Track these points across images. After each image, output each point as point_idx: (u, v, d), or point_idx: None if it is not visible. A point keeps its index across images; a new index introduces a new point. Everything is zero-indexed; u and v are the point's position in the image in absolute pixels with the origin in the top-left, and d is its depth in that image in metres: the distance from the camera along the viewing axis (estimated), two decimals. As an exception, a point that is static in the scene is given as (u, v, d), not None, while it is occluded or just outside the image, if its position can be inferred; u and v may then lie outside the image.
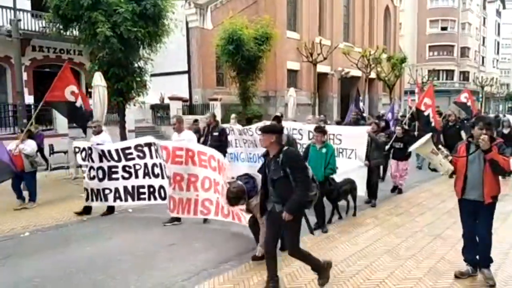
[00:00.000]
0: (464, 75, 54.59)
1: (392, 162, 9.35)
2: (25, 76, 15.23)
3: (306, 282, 4.56)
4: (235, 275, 4.77)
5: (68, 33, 12.32)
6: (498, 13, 67.81)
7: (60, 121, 14.02)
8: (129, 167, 6.80)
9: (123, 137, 11.72)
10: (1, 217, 7.40)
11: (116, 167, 6.87)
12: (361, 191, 7.36)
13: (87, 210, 7.39)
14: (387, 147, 8.99)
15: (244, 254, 5.40)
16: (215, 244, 5.90)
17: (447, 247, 5.58)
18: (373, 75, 28.36)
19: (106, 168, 6.94)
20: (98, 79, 10.41)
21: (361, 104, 14.96)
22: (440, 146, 4.65)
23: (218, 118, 18.84)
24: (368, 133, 7.65)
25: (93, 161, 7.02)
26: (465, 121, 14.25)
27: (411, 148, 6.21)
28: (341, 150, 7.59)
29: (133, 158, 6.74)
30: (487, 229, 4.44)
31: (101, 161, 6.95)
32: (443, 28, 52.33)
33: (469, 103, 13.28)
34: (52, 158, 12.64)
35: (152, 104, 19.86)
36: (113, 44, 10.99)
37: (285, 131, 7.16)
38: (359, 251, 5.51)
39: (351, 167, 7.41)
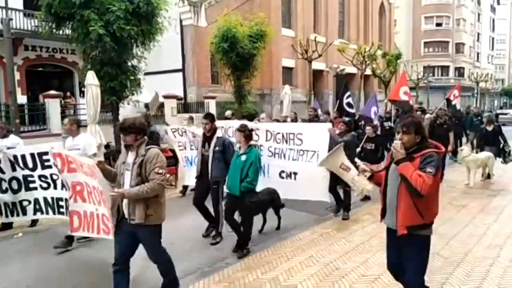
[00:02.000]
0: (459, 71, 54.74)
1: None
2: (17, 75, 15.12)
3: (305, 277, 4.54)
4: (230, 274, 4.74)
5: (60, 32, 12.19)
6: (493, 8, 68.02)
7: (54, 121, 13.92)
8: (45, 177, 5.65)
9: (118, 136, 11.64)
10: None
11: (32, 176, 5.72)
12: (324, 197, 6.44)
13: (7, 226, 6.54)
14: (358, 149, 8.15)
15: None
16: (209, 244, 5.86)
17: (442, 243, 5.58)
18: (368, 71, 28.35)
19: (21, 178, 5.76)
20: (91, 78, 10.31)
21: (348, 100, 12.96)
22: (356, 159, 3.95)
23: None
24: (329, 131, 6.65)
25: (3, 172, 5.80)
26: (454, 119, 13.67)
27: (317, 164, 6.11)
28: (301, 153, 6.57)
29: (50, 166, 5.55)
30: (413, 273, 3.30)
31: (14, 170, 5.75)
32: (438, 24, 52.40)
33: (454, 102, 12.55)
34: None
35: (147, 102, 19.74)
36: (106, 43, 10.88)
37: (219, 132, 6.28)
38: (354, 247, 5.50)
39: (311, 172, 6.34)
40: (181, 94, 20.84)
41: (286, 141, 6.66)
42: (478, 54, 62.59)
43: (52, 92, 14.64)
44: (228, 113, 9.51)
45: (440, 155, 3.18)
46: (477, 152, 9.94)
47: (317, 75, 27.86)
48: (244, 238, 5.36)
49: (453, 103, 12.10)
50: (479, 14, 62.59)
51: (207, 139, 5.97)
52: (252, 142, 5.46)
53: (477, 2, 61.16)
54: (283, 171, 6.64)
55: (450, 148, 9.74)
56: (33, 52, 16.55)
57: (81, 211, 4.72)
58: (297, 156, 6.57)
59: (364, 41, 32.10)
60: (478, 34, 62.62)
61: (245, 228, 5.36)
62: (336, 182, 6.65)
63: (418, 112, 12.87)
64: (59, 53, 17.21)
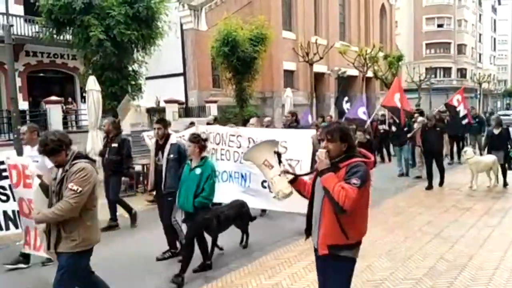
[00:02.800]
0: (462, 72, 54.59)
1: None
2: (19, 81, 15.12)
3: (308, 283, 4.49)
4: (233, 279, 4.68)
5: (61, 37, 12.27)
6: (494, 9, 67.90)
7: (56, 126, 13.90)
8: (3, 187, 5.16)
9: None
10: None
11: None
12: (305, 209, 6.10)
13: None
14: None
15: (242, 258, 5.32)
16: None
17: (446, 247, 5.50)
18: (370, 74, 28.31)
19: None
20: (92, 83, 10.31)
21: (346, 105, 12.71)
22: (282, 159, 3.31)
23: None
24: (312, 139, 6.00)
25: None
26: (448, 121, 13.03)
27: (242, 157, 5.57)
28: (284, 162, 6.34)
29: (7, 177, 5.02)
30: None
31: None
32: (439, 26, 52.32)
33: (459, 108, 11.70)
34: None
35: (148, 107, 19.74)
36: (106, 48, 10.95)
37: (174, 139, 5.60)
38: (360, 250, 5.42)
39: None
40: (182, 99, 20.84)
41: None
42: (480, 55, 62.45)
43: (53, 98, 14.67)
44: (210, 118, 8.74)
45: (369, 165, 2.78)
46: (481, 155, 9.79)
47: (319, 77, 27.81)
48: (207, 257, 4.99)
49: (457, 109, 11.53)
50: (480, 15, 62.50)
51: (160, 147, 5.43)
52: (204, 154, 4.83)
53: (478, 3, 61.08)
54: (265, 181, 5.95)
55: (445, 151, 9.64)
56: (34, 58, 16.61)
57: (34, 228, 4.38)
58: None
59: (365, 43, 32.07)
60: (480, 35, 62.51)
61: (204, 247, 4.95)
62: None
63: (416, 115, 12.42)
64: (60, 59, 17.26)
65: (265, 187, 6.13)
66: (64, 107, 15.75)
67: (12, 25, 13.38)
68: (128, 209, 6.99)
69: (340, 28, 31.91)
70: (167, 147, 5.36)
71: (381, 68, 28.39)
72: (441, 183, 9.44)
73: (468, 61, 55.96)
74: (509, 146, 9.23)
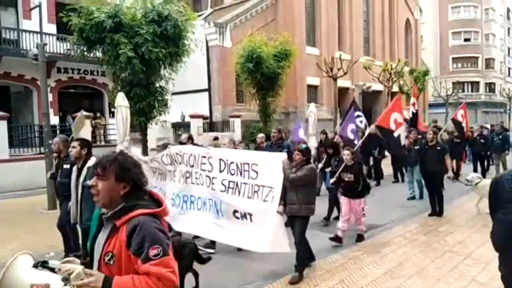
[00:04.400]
0: (490, 87, 53.26)
1: (342, 201, 6.92)
2: (50, 97, 15.67)
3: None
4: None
5: (91, 54, 12.65)
6: (523, 22, 66.29)
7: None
8: None
9: (145, 156, 11.81)
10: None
11: None
12: (285, 247, 5.02)
13: None
14: (332, 180, 7.04)
15: (269, 277, 5.26)
16: (236, 266, 5.77)
17: (478, 268, 5.29)
18: (395, 88, 27.96)
19: None
20: (121, 100, 10.55)
21: (359, 120, 10.65)
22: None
23: (237, 135, 19.04)
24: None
25: None
26: (455, 141, 12.46)
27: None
28: (256, 188, 5.14)
29: None
30: None
31: None
32: (466, 40, 51.41)
33: (464, 123, 11.02)
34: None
35: (173, 122, 20.08)
36: (135, 65, 11.18)
37: (93, 161, 4.73)
38: (386, 272, 5.28)
39: (267, 216, 5.01)
40: (207, 113, 21.09)
41: (241, 173, 5.29)
42: (509, 69, 60.83)
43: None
44: (183, 137, 7.87)
45: (159, 216, 1.97)
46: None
47: (343, 92, 27.66)
48: None
49: (462, 124, 10.95)
50: (509, 29, 61.08)
51: (78, 170, 4.93)
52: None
53: (507, 17, 59.78)
54: (236, 211, 5.33)
55: (449, 173, 8.76)
56: (65, 74, 17.20)
57: None
58: (252, 194, 5.16)
59: (390, 57, 31.79)
60: (509, 48, 61.00)
61: None
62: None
63: (430, 132, 12.13)
64: (90, 75, 17.81)
65: (237, 218, 5.31)
66: (93, 122, 16.18)
67: (45, 44, 13.98)
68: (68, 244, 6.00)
69: (364, 43, 31.78)
70: (84, 171, 4.78)
71: (406, 83, 28.02)
72: (439, 212, 8.34)
73: (497, 75, 54.59)
74: None
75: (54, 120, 15.60)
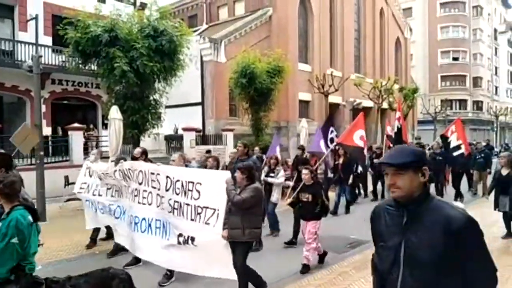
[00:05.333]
0: (478, 105, 54.29)
1: (302, 224, 6.60)
2: (43, 108, 15.67)
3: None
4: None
5: (86, 67, 12.76)
6: (510, 43, 67.96)
7: (76, 152, 14.29)
8: None
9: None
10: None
11: None
12: (230, 274, 4.59)
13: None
14: (288, 200, 6.71)
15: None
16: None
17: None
18: (385, 105, 28.44)
19: None
20: (115, 112, 10.65)
21: (332, 135, 10.51)
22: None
23: (230, 148, 19.16)
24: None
25: None
26: (437, 159, 11.78)
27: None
28: (199, 210, 4.76)
29: None
30: None
31: None
32: (455, 59, 52.55)
33: (457, 142, 10.32)
34: (67, 189, 12.79)
35: (166, 135, 20.16)
36: (129, 78, 11.32)
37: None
38: (374, 288, 5.38)
39: (211, 239, 4.61)
40: (200, 127, 21.23)
41: (185, 193, 4.91)
42: (496, 87, 62.13)
43: (76, 125, 15.13)
44: (136, 151, 7.62)
45: None
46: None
47: (334, 108, 28.04)
48: None
49: (448, 140, 10.43)
50: (496, 48, 62.61)
51: None
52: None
53: (494, 37, 61.34)
54: (181, 234, 4.95)
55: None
56: (60, 86, 17.24)
57: None
58: (195, 215, 4.77)
59: (381, 75, 32.39)
60: (496, 68, 62.41)
61: None
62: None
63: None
64: (84, 87, 17.88)
65: (180, 243, 4.93)
66: (85, 133, 16.19)
67: (41, 56, 14.06)
68: None
69: (356, 60, 32.36)
70: None
71: (396, 100, 28.50)
72: None
73: (484, 94, 55.71)
74: None
75: (47, 131, 15.58)
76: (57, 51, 16.09)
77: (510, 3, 68.59)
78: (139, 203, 5.60)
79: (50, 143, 15.14)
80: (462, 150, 10.29)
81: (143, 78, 11.68)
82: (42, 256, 6.84)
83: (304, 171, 6.37)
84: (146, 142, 14.38)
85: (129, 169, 5.76)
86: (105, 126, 15.20)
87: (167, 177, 5.17)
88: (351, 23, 31.35)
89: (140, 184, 5.57)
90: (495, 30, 61.91)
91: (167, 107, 14.52)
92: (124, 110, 11.50)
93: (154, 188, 5.34)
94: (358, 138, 8.50)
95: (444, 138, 10.66)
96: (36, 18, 14.91)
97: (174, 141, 20.31)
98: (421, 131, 38.35)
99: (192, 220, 4.78)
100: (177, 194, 5.00)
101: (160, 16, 12.23)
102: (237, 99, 17.97)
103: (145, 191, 5.48)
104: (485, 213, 9.13)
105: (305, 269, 6.02)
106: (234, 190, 4.71)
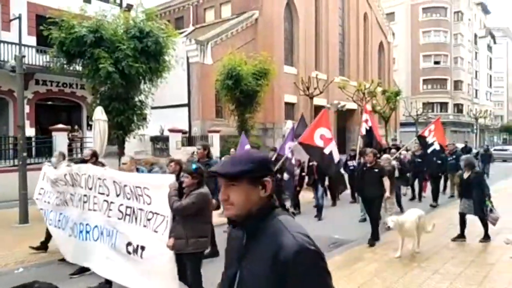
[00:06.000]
0: (458, 108, 55.53)
1: None
2: (27, 109, 15.46)
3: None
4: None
5: (71, 68, 12.64)
6: (489, 48, 69.75)
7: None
8: None
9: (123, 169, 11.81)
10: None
11: None
12: None
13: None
14: None
15: None
16: None
17: (445, 283, 5.59)
18: (368, 107, 28.84)
19: None
20: (99, 113, 10.59)
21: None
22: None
23: (216, 150, 19.21)
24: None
25: None
26: (417, 161, 11.93)
27: None
28: (150, 216, 4.52)
29: None
30: None
31: None
32: (436, 62, 53.69)
33: (432, 140, 9.74)
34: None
35: (152, 136, 20.08)
36: (114, 79, 11.25)
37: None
38: None
39: (159, 248, 4.37)
40: (186, 128, 21.21)
41: (136, 198, 4.66)
42: (476, 91, 63.65)
43: (60, 125, 14.97)
44: (86, 153, 7.13)
45: None
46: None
47: (319, 110, 28.16)
48: None
49: (427, 139, 9.91)
50: (476, 53, 64.16)
51: None
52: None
53: (474, 42, 62.84)
54: (130, 243, 4.65)
55: (387, 194, 7.71)
56: (44, 87, 17.01)
57: None
58: (146, 222, 4.54)
59: (364, 78, 32.84)
60: (476, 71, 63.96)
61: None
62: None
63: (393, 150, 11.81)
64: (69, 88, 17.68)
65: (129, 252, 4.64)
66: (70, 134, 16.03)
67: (24, 56, 13.87)
68: None
69: (340, 64, 32.75)
70: None
71: (379, 103, 29.01)
72: (372, 239, 7.59)
73: (465, 97, 57.01)
74: (485, 194, 7.52)
75: (30, 132, 15.37)
76: (41, 51, 15.89)
77: (489, 9, 70.36)
78: (89, 209, 5.26)
79: (33, 144, 14.94)
80: (436, 146, 9.93)
81: (128, 79, 11.62)
82: (24, 259, 6.84)
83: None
84: (131, 143, 14.33)
85: (77, 173, 5.44)
86: (89, 127, 15.04)
87: (114, 182, 4.95)
88: (335, 27, 31.75)
89: (90, 189, 5.28)
90: (475, 35, 63.46)
91: (153, 108, 14.48)
92: (109, 111, 11.43)
93: (102, 194, 5.07)
94: (318, 137, 7.84)
95: (422, 138, 10.31)
96: (19, 17, 14.71)
97: (160, 142, 20.24)
98: (403, 133, 39.05)
99: (144, 226, 4.56)
100: (129, 199, 4.78)
101: (146, 18, 12.20)
102: (223, 100, 18.03)
103: (95, 197, 5.19)
104: (452, 217, 9.46)
105: None
106: (176, 196, 4.34)
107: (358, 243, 7.64)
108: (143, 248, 4.52)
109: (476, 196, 7.45)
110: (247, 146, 10.29)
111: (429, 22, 53.30)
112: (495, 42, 71.72)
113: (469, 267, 6.27)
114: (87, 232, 5.25)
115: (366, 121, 11.21)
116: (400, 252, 6.77)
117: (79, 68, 12.65)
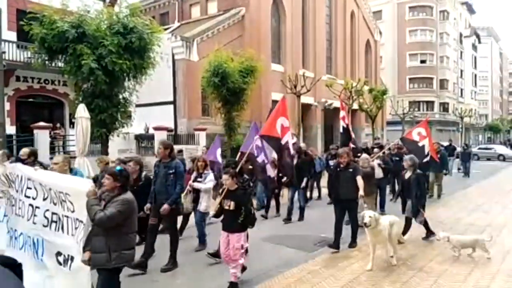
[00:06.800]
0: (444, 106, 56.23)
1: (221, 234, 5.61)
2: (7, 106, 15.07)
3: None
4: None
5: (53, 64, 12.36)
6: (474, 47, 70.77)
7: (43, 151, 13.80)
8: None
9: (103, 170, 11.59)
10: None
11: None
12: None
13: None
14: (211, 213, 5.89)
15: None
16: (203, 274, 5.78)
17: (430, 281, 5.59)
18: (355, 106, 28.96)
19: None
20: (82, 111, 10.37)
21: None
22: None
23: (203, 148, 19.03)
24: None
25: None
26: (394, 159, 11.36)
27: None
28: (76, 224, 4.12)
29: None
30: None
31: None
32: (422, 61, 54.26)
33: (422, 143, 8.94)
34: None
35: (137, 134, 19.80)
36: (97, 76, 11.04)
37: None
38: (343, 286, 5.48)
39: (79, 262, 4.06)
40: (172, 126, 20.97)
41: (61, 203, 4.23)
42: (461, 90, 64.54)
43: (42, 123, 14.63)
44: (23, 151, 6.67)
45: None
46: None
47: (306, 109, 28.33)
48: None
49: (420, 144, 8.98)
50: (461, 52, 65.03)
51: None
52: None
53: (459, 41, 63.67)
54: (60, 253, 4.23)
55: (361, 192, 6.92)
56: (25, 83, 16.61)
57: None
58: (74, 230, 4.13)
59: (351, 76, 32.95)
60: (461, 71, 64.84)
61: None
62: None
63: (376, 149, 11.15)
64: (51, 85, 17.30)
65: (60, 263, 4.21)
66: (52, 132, 15.70)
67: (4, 52, 13.54)
68: None
69: (327, 62, 32.80)
70: None
71: (366, 101, 29.11)
72: (352, 243, 7.35)
73: (450, 96, 57.75)
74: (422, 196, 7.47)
75: (11, 130, 15.00)
76: (22, 47, 15.50)
77: (474, 9, 71.38)
78: (16, 214, 4.75)
79: (14, 142, 14.60)
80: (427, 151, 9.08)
81: (112, 76, 11.41)
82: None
83: (224, 176, 5.54)
84: (115, 141, 14.10)
85: (11, 173, 4.92)
86: (72, 125, 14.73)
87: (40, 184, 4.45)
88: (322, 25, 31.77)
89: (17, 191, 4.76)
90: (461, 34, 64.31)
91: (137, 105, 14.24)
92: (92, 108, 11.21)
93: (28, 197, 4.55)
94: (279, 127, 7.31)
95: (413, 142, 9.17)
96: (-1, 12, 14.31)
97: (144, 140, 19.98)
98: (390, 132, 39.34)
99: (72, 235, 4.09)
100: (55, 205, 4.29)
101: (130, 13, 12.00)
102: (210, 98, 17.86)
103: (20, 200, 4.68)
104: (440, 215, 9.53)
105: (234, 287, 5.37)
106: (98, 205, 3.85)
107: (344, 241, 7.60)
108: (72, 259, 4.08)
109: (413, 197, 7.31)
110: (219, 151, 9.82)
111: (415, 21, 53.81)
112: (479, 42, 72.80)
113: (453, 265, 6.29)
114: (15, 238, 4.70)
115: (343, 118, 10.86)
116: (371, 263, 6.13)
117: (61, 64, 12.38)
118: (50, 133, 15.29)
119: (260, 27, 24.68)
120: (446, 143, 21.06)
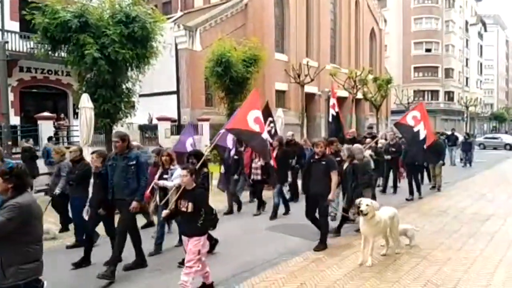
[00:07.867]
0: (449, 95, 55.80)
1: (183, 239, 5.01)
2: (11, 96, 15.13)
3: None
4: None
5: (56, 54, 12.33)
6: (480, 35, 69.95)
7: (46, 142, 13.87)
8: None
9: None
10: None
11: None
12: None
13: None
14: (164, 212, 5.02)
15: (230, 279, 5.34)
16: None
17: (433, 269, 5.59)
18: (360, 95, 28.81)
19: None
20: (85, 101, 10.39)
21: (269, 128, 8.73)
22: None
23: (206, 138, 19.05)
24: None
25: None
26: (391, 150, 10.94)
27: None
28: None
29: None
30: None
31: None
32: (427, 50, 53.70)
33: (417, 128, 8.48)
34: (35, 180, 12.42)
35: (140, 124, 19.83)
36: (100, 66, 11.01)
37: None
38: (346, 274, 5.49)
39: None
40: (175, 116, 20.97)
41: None
42: (467, 79, 63.95)
43: (46, 113, 14.67)
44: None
45: None
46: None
47: (310, 98, 28.23)
48: None
49: (415, 129, 8.57)
50: (467, 41, 64.29)
51: None
52: None
53: (465, 29, 62.90)
54: None
55: (330, 196, 6.45)
56: (28, 74, 16.63)
57: None
58: None
59: (355, 65, 32.74)
60: (467, 59, 64.16)
61: None
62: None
63: (368, 139, 10.56)
64: (54, 75, 17.31)
65: None
66: (56, 123, 15.75)
67: (7, 42, 13.55)
68: None
69: (331, 51, 32.58)
70: None
71: (370, 90, 28.94)
72: (319, 246, 6.57)
73: (455, 85, 57.26)
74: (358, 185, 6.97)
75: (15, 120, 15.06)
76: (25, 37, 15.48)
77: (480, -4, 70.37)
78: None
79: (18, 132, 14.66)
80: (422, 134, 8.68)
81: (115, 65, 11.38)
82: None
83: (182, 172, 4.81)
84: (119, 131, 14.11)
85: None
86: (76, 115, 14.77)
87: None
88: (327, 13, 31.47)
89: None
90: (466, 22, 63.49)
91: (140, 95, 14.22)
92: (95, 98, 11.21)
93: None
94: (252, 121, 6.59)
95: (406, 127, 8.82)
96: (1, 2, 14.29)
97: (148, 131, 20.02)
98: (394, 121, 39.13)
99: None
100: None
101: (132, 2, 11.90)
102: (213, 88, 17.78)
103: None
104: (442, 204, 9.50)
105: None
106: None
107: (347, 230, 7.60)
108: None
109: (349, 187, 7.04)
110: (190, 141, 8.95)
111: (421, 9, 53.16)
112: (485, 30, 71.91)
113: (457, 253, 6.29)
114: None
115: (333, 106, 10.37)
116: (370, 259, 5.82)
117: (64, 54, 12.34)
118: (54, 123, 15.33)
119: (263, 15, 24.48)
120: (449, 132, 20.98)
